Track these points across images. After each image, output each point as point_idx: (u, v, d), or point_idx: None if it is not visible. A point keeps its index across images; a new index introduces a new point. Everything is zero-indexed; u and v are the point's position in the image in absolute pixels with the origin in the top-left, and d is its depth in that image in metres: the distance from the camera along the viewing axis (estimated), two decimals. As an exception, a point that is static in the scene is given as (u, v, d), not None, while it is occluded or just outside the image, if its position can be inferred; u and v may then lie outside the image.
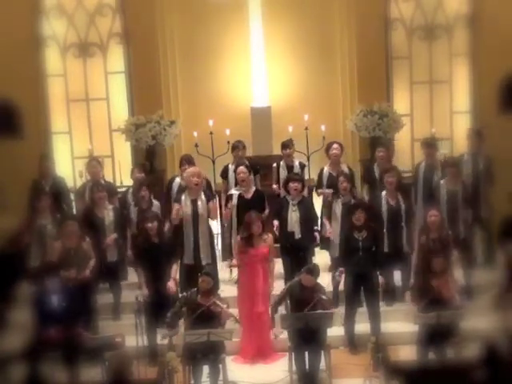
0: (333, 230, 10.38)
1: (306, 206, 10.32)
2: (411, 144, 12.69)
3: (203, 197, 10.27)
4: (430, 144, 11.13)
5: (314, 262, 10.04)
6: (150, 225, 9.68)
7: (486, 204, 10.87)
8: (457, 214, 10.42)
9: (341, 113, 12.95)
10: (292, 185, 10.25)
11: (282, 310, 9.36)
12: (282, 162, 11.24)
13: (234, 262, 10.23)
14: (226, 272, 10.82)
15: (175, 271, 9.76)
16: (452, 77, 12.62)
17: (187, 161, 10.86)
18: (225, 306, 8.83)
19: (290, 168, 11.16)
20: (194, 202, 10.23)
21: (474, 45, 12.35)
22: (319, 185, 11.04)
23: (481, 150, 10.99)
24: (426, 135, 11.81)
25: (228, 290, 10.47)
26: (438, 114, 12.69)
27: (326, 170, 11.03)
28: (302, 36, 12.70)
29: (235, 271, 10.39)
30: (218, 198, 11.14)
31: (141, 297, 9.36)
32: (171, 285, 9.63)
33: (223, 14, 12.61)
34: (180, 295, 9.43)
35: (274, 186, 11.19)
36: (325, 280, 9.92)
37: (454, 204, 10.45)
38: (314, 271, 9.07)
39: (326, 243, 10.65)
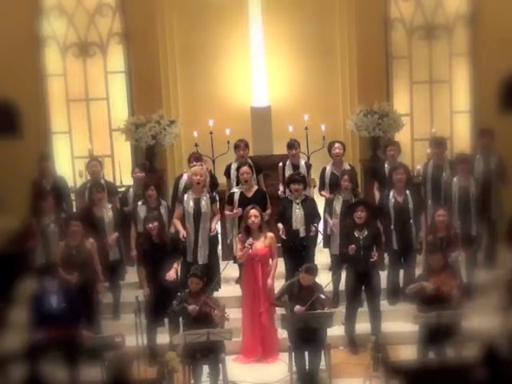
0: (334, 232, 10.40)
1: (309, 205, 10.32)
2: (411, 144, 12.69)
3: (207, 196, 10.28)
4: (439, 143, 11.13)
5: (314, 261, 10.07)
6: (150, 225, 9.67)
7: (496, 204, 10.88)
8: (469, 210, 10.42)
9: (341, 113, 12.95)
10: (293, 186, 10.26)
11: (281, 310, 9.37)
12: (287, 162, 11.25)
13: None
14: (229, 271, 10.82)
15: (177, 263, 9.76)
16: (452, 77, 12.61)
17: (195, 158, 10.88)
18: (215, 306, 8.83)
19: (295, 167, 11.16)
20: (197, 201, 10.24)
21: (473, 45, 12.34)
22: (322, 184, 11.05)
23: (492, 150, 10.99)
24: (426, 135, 11.81)
25: (229, 289, 10.48)
26: (437, 114, 12.68)
27: (329, 169, 11.04)
28: (302, 36, 12.69)
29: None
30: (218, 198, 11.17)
31: (141, 296, 9.37)
32: (171, 273, 9.60)
33: (223, 14, 12.61)
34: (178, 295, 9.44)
35: (281, 189, 11.18)
36: (325, 279, 9.94)
37: (466, 201, 10.45)
38: (313, 270, 9.08)
39: (329, 241, 10.66)
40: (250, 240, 9.55)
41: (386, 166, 11.02)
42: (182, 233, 10.14)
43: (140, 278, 9.82)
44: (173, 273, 9.62)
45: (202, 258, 10.22)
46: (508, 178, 10.84)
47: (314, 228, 10.26)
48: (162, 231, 9.80)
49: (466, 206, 10.45)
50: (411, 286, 9.27)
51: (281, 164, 11.30)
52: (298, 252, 10.14)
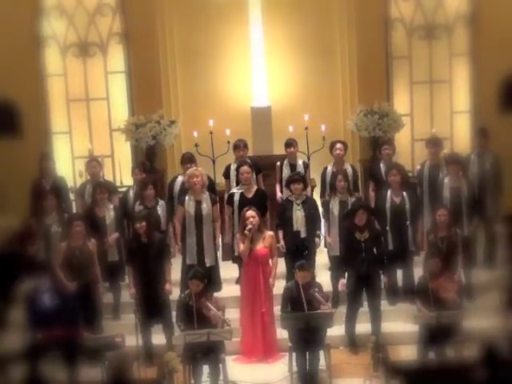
0: (331, 233, 10.38)
1: (310, 206, 10.31)
2: (411, 144, 12.70)
3: (208, 198, 10.26)
4: (435, 143, 11.13)
5: (315, 261, 10.06)
6: (137, 225, 9.65)
7: (492, 204, 10.87)
8: (460, 211, 10.43)
9: (341, 113, 12.96)
10: (293, 186, 10.25)
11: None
12: (285, 161, 11.24)
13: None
14: (229, 271, 10.81)
15: (169, 273, 9.76)
16: (452, 77, 12.62)
17: (188, 159, 10.88)
18: (215, 308, 8.82)
19: (293, 167, 11.15)
20: (198, 203, 10.23)
21: (473, 45, 12.35)
22: (323, 184, 11.02)
23: (487, 149, 11.00)
24: (426, 135, 11.82)
25: (229, 290, 10.48)
26: (438, 114, 12.69)
27: (330, 168, 11.02)
28: (302, 36, 12.69)
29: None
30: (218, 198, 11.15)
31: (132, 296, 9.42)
32: (168, 287, 9.64)
33: (223, 15, 12.61)
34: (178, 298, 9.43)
35: (278, 190, 11.16)
36: (325, 279, 9.93)
37: (457, 201, 10.46)
38: (305, 266, 9.07)
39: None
40: (249, 226, 9.55)
41: (381, 165, 11.01)
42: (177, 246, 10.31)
43: (129, 279, 9.85)
44: (169, 287, 9.65)
45: (209, 261, 10.20)
46: (502, 187, 10.86)
47: (317, 239, 10.27)
48: (151, 231, 9.74)
49: (457, 207, 10.44)
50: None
51: (278, 163, 11.29)
52: (299, 253, 10.10)
